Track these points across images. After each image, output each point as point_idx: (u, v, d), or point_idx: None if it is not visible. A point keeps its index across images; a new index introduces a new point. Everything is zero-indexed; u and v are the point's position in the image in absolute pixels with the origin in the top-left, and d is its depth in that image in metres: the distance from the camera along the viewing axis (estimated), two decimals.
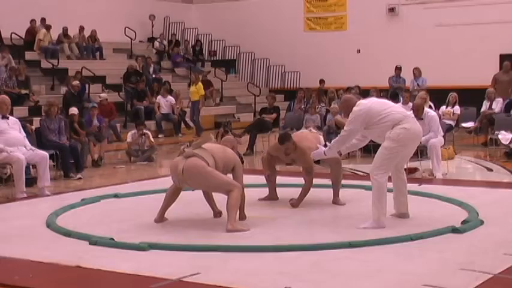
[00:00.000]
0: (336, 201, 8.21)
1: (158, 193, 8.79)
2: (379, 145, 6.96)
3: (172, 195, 7.32)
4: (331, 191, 8.63)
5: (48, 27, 20.18)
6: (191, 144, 7.19)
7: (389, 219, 7.13)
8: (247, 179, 7.99)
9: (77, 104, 14.48)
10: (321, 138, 8.63)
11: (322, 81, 20.75)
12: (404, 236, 6.25)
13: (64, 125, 11.56)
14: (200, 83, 19.15)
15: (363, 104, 7.14)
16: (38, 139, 10.97)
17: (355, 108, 7.08)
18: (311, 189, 8.25)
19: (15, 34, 19.84)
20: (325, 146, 8.06)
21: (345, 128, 7.21)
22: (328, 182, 9.53)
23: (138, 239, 6.25)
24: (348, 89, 17.31)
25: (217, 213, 7.49)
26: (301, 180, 8.21)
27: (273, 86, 24.01)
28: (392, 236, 6.26)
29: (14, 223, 7.37)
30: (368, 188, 8.97)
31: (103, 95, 16.58)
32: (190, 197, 7.85)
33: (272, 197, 8.45)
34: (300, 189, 8.75)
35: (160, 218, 7.27)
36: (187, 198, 7.77)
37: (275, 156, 8.29)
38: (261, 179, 8.59)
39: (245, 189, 7.90)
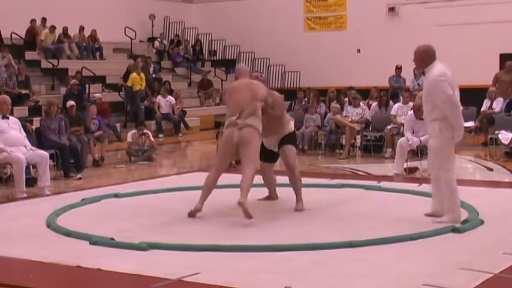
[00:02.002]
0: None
1: (158, 193, 8.82)
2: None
3: (212, 184, 7.48)
4: (331, 190, 8.64)
5: (52, 29, 20.18)
6: (241, 115, 7.33)
7: (389, 219, 7.14)
8: None
9: (77, 104, 14.46)
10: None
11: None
12: (404, 236, 6.25)
13: (64, 124, 11.56)
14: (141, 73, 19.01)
15: (440, 71, 6.89)
16: (38, 139, 10.97)
17: (436, 76, 6.81)
18: (312, 189, 8.22)
19: (15, 34, 19.83)
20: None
21: (444, 97, 6.78)
22: (327, 181, 9.55)
23: (138, 239, 6.25)
24: (349, 89, 17.31)
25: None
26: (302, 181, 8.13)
27: (273, 85, 23.99)
28: (392, 236, 6.25)
29: (14, 223, 7.36)
30: (368, 188, 9.01)
31: (97, 94, 16.60)
32: (190, 197, 7.84)
33: (272, 197, 8.38)
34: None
35: (199, 209, 7.34)
36: (187, 198, 7.77)
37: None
38: (261, 179, 8.58)
39: None
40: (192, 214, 7.36)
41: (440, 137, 6.87)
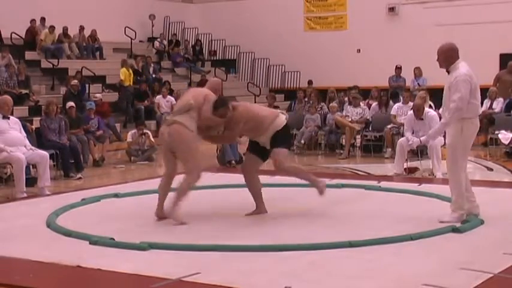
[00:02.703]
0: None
1: (158, 193, 8.78)
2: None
3: (165, 186, 7.44)
4: (331, 190, 8.60)
5: (51, 29, 20.19)
6: (173, 112, 7.34)
7: (389, 219, 7.14)
8: None
9: (76, 104, 14.47)
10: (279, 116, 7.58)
11: (310, 82, 20.82)
12: (404, 236, 6.25)
13: (64, 124, 11.57)
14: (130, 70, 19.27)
15: (468, 72, 6.91)
16: (38, 139, 10.97)
17: (463, 74, 6.82)
18: (312, 189, 8.18)
19: (15, 34, 19.83)
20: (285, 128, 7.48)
21: (454, 96, 6.78)
22: (327, 181, 9.53)
23: (138, 238, 6.25)
24: (348, 89, 17.31)
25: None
26: (297, 180, 8.09)
27: (273, 85, 24.01)
28: (392, 236, 6.26)
29: (14, 223, 7.37)
30: (368, 188, 9.01)
31: (98, 95, 16.62)
32: (190, 197, 7.83)
33: (260, 211, 7.59)
34: (297, 189, 8.74)
35: (161, 212, 7.32)
36: (187, 198, 7.75)
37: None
38: (261, 179, 8.55)
39: (245, 189, 7.86)
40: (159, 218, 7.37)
41: (461, 135, 6.94)
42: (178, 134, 7.11)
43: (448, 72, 7.00)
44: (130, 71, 19.17)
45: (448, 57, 7.00)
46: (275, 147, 7.40)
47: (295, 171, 7.65)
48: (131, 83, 18.96)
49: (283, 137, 7.51)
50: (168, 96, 18.76)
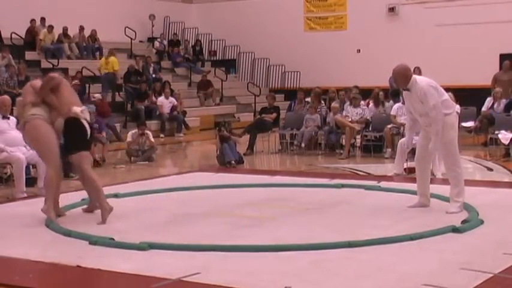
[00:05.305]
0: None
1: (158, 193, 8.80)
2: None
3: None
4: (331, 190, 8.59)
5: (50, 28, 20.20)
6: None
7: (389, 219, 7.14)
8: (247, 178, 7.96)
9: None
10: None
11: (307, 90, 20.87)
12: (404, 236, 6.25)
13: None
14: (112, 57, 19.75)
15: (427, 79, 7.47)
16: None
17: (425, 85, 7.31)
18: (312, 189, 8.18)
19: (15, 34, 19.85)
20: None
21: (429, 105, 7.30)
22: (327, 181, 9.54)
23: (138, 239, 6.25)
24: (349, 89, 17.27)
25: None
26: (297, 180, 8.12)
27: (273, 85, 24.02)
28: (392, 236, 6.26)
29: (14, 223, 7.36)
30: (368, 188, 9.01)
31: (97, 95, 16.63)
32: (190, 197, 7.85)
33: (93, 206, 7.71)
34: (297, 189, 8.74)
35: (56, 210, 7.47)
36: (187, 199, 7.77)
37: None
38: (261, 179, 8.57)
39: (245, 189, 7.88)
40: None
41: (452, 129, 7.41)
42: (27, 132, 7.31)
43: (408, 89, 7.50)
44: (112, 58, 19.57)
45: (408, 76, 7.50)
46: (73, 149, 7.57)
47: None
48: (109, 70, 19.38)
49: (73, 136, 7.56)
50: (170, 97, 18.81)
